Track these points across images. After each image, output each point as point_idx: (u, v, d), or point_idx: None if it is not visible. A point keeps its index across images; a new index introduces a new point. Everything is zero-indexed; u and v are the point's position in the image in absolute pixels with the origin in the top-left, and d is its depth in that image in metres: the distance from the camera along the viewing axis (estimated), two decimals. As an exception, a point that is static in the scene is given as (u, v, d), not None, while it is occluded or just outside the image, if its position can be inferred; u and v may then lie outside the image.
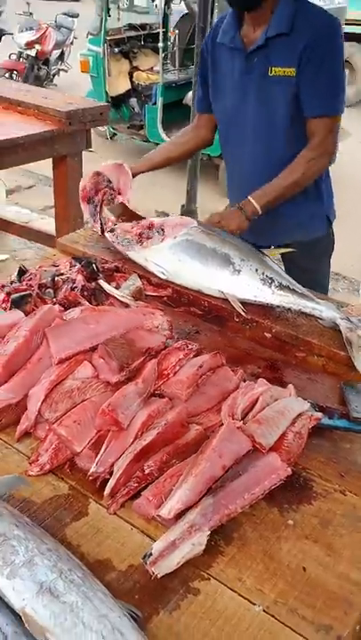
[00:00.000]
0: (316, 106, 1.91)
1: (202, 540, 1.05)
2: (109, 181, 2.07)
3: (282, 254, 2.20)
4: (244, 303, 1.75)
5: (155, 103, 6.90)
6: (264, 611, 0.99)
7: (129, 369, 1.35)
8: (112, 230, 1.95)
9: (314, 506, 1.19)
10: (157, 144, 7.14)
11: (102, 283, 1.72)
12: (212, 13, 4.42)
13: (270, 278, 1.76)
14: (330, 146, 1.98)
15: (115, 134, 7.79)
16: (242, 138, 2.09)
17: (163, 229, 1.86)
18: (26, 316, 1.52)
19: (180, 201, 5.16)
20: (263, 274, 1.77)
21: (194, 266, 1.79)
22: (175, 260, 1.81)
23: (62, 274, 1.71)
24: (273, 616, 0.98)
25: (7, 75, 8.67)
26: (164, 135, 6.93)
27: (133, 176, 2.12)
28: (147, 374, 1.34)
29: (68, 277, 1.73)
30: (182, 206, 4.66)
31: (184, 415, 1.27)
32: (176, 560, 1.03)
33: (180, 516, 1.08)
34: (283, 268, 1.92)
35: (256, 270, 1.77)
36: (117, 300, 1.70)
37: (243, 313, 1.72)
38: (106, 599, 0.90)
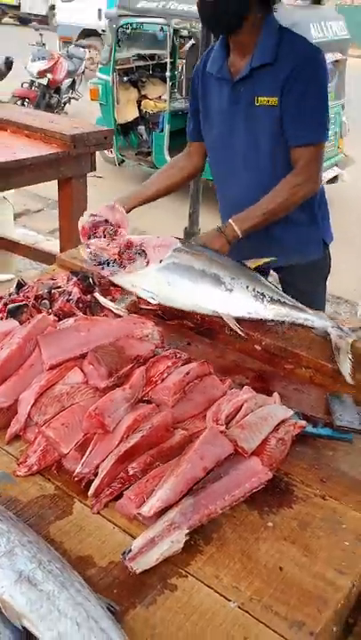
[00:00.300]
0: (299, 135, 1.94)
1: (180, 537, 1.08)
2: (106, 220, 2.07)
3: (280, 277, 2.25)
4: (238, 319, 1.77)
5: (162, 130, 7.06)
6: (239, 607, 1.01)
7: (117, 375, 1.39)
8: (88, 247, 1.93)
9: (294, 509, 1.21)
10: (164, 170, 7.29)
11: (98, 295, 1.77)
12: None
13: (262, 293, 1.79)
14: (314, 173, 1.99)
15: (123, 160, 7.93)
16: (231, 165, 2.13)
17: (144, 251, 1.85)
18: (21, 325, 1.57)
19: (182, 224, 5.24)
20: (254, 290, 1.80)
21: (184, 288, 1.78)
22: (164, 283, 1.79)
23: (59, 287, 1.76)
24: (247, 612, 1.00)
25: (19, 102, 8.88)
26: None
27: (128, 212, 2.10)
28: (135, 381, 1.38)
29: (64, 290, 1.78)
30: (185, 229, 4.75)
31: (169, 420, 1.31)
32: (155, 557, 1.05)
33: (160, 515, 1.11)
34: (280, 287, 1.96)
35: (247, 287, 1.80)
36: (112, 312, 1.74)
37: (240, 332, 1.73)
38: (82, 589, 0.93)
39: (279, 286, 1.90)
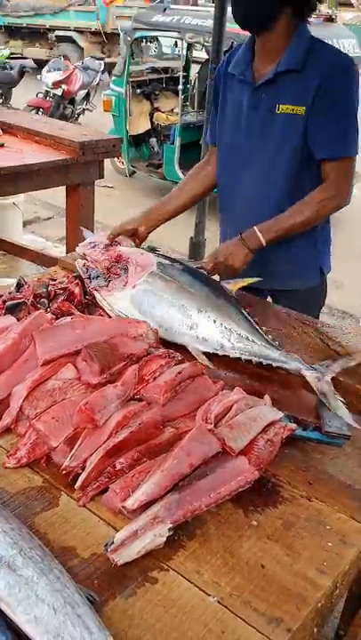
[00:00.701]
0: (328, 148, 1.86)
1: (163, 531, 1.08)
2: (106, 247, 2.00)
3: (273, 301, 2.16)
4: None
5: (173, 143, 7.12)
6: (218, 602, 1.01)
7: (110, 372, 1.40)
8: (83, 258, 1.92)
9: (279, 509, 1.22)
10: (174, 182, 7.35)
11: (96, 294, 1.79)
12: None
13: (229, 329, 1.68)
14: (344, 187, 1.91)
15: (134, 172, 8.02)
16: (238, 173, 2.06)
17: (127, 267, 1.84)
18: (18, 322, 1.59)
19: (188, 234, 5.27)
20: (221, 325, 1.69)
21: (154, 318, 1.71)
22: (135, 310, 1.75)
23: (55, 281, 1.78)
24: (226, 607, 1.00)
25: (33, 112, 9.01)
26: (180, 174, 7.12)
27: (148, 232, 2.11)
28: (127, 378, 1.40)
29: (63, 289, 1.80)
30: (191, 238, 4.78)
31: (159, 417, 1.32)
32: (137, 549, 1.06)
33: (145, 509, 1.12)
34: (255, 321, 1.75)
35: (214, 322, 1.70)
36: (106, 313, 1.76)
37: (209, 365, 1.62)
38: (62, 576, 0.94)
39: (254, 320, 1.74)
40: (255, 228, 1.89)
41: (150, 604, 1.00)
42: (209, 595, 1.02)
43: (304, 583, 1.06)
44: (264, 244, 1.88)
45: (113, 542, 1.06)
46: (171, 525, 1.09)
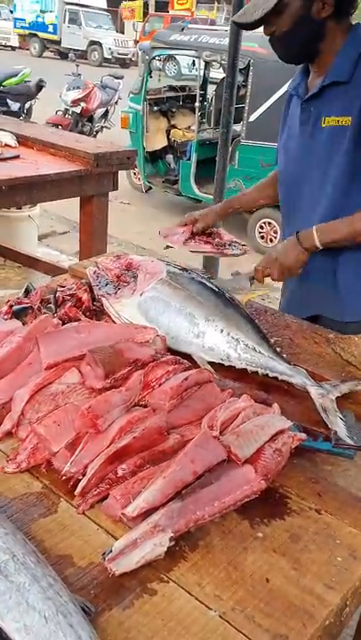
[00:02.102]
0: None
1: (164, 541, 1.03)
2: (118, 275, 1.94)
3: None
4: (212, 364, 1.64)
5: (189, 159, 7.17)
6: (220, 616, 0.96)
7: (114, 377, 1.37)
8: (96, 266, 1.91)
9: (286, 521, 1.16)
10: (190, 198, 7.38)
11: (104, 300, 1.76)
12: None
13: (236, 339, 1.63)
14: None
15: (150, 188, 8.07)
16: (293, 192, 2.02)
17: (136, 275, 1.81)
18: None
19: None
20: (229, 334, 1.64)
21: (161, 326, 1.67)
22: (142, 318, 1.71)
23: (63, 287, 1.76)
24: (228, 622, 0.95)
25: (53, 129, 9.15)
26: (196, 190, 7.15)
27: (219, 220, 2.18)
28: (132, 384, 1.36)
29: (71, 294, 1.78)
30: (206, 253, 4.77)
31: (163, 423, 1.28)
32: (135, 559, 1.01)
33: (146, 517, 1.08)
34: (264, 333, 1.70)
35: (221, 331, 1.65)
36: (112, 321, 1.73)
37: (214, 375, 1.53)
38: (55, 584, 0.90)
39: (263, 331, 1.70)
40: (313, 227, 1.80)
41: (148, 617, 0.95)
42: (210, 608, 0.97)
43: (311, 599, 1.00)
44: (319, 245, 1.79)
45: (111, 551, 1.02)
46: (172, 535, 1.05)
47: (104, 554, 1.02)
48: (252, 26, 1.79)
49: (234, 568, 1.05)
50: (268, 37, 1.82)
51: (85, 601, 0.94)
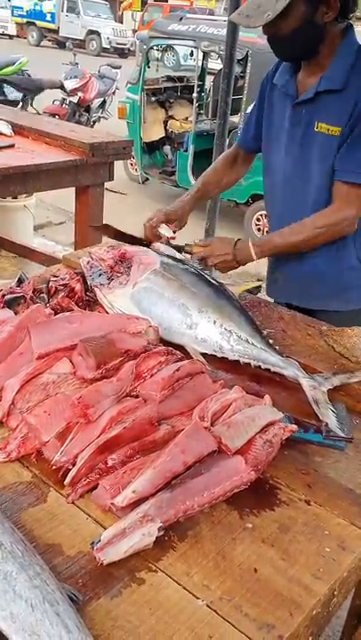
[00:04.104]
0: (346, 170, 1.80)
1: (153, 531, 1.04)
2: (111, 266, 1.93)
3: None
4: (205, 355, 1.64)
5: (186, 150, 7.13)
6: (207, 606, 0.96)
7: (106, 367, 1.36)
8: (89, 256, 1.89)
9: (275, 512, 1.17)
10: (186, 189, 7.34)
11: (97, 290, 1.76)
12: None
13: (229, 331, 1.63)
14: (350, 215, 1.83)
15: (147, 179, 8.04)
16: (277, 187, 2.04)
17: (130, 266, 1.81)
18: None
19: (198, 237, 5.24)
20: (222, 326, 1.64)
21: (154, 317, 1.66)
22: (136, 309, 1.70)
23: (56, 277, 1.75)
24: (215, 611, 0.96)
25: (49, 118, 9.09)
26: (193, 181, 7.11)
27: (187, 216, 2.16)
28: (123, 374, 1.36)
29: (64, 284, 1.77)
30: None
31: (154, 414, 1.28)
32: (124, 548, 1.02)
33: (135, 507, 1.08)
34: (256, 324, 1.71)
35: (214, 322, 1.65)
36: (105, 311, 1.73)
37: (207, 366, 1.52)
38: (43, 573, 0.90)
39: (257, 323, 1.71)
40: (250, 243, 1.89)
41: (136, 606, 0.95)
42: (198, 598, 0.98)
43: (299, 589, 1.01)
44: (255, 258, 1.90)
45: (100, 540, 1.02)
46: (161, 525, 1.05)
47: (93, 543, 1.02)
48: (253, 26, 1.78)
49: (222, 558, 1.06)
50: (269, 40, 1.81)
51: (73, 589, 0.94)
